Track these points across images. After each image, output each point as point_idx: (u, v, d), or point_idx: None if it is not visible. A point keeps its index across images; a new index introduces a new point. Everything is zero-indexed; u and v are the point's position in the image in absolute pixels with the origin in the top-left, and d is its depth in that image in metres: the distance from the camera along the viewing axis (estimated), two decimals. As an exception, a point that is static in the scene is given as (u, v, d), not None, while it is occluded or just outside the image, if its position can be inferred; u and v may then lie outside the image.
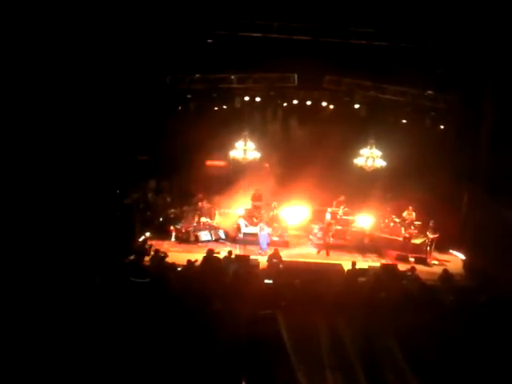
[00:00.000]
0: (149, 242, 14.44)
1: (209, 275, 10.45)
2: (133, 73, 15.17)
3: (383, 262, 15.14)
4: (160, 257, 12.03)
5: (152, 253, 12.62)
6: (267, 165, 18.70)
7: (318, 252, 15.94)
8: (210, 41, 15.23)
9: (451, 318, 6.35)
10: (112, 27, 13.68)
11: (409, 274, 11.99)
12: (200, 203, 17.46)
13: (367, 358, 4.76)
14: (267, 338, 5.13)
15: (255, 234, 16.54)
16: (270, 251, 14.12)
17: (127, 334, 4.37)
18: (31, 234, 10.83)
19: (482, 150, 15.22)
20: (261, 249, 15.67)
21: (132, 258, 12.48)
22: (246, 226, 17.04)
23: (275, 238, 16.51)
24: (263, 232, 16.06)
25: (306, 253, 15.92)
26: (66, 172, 13.47)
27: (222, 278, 9.55)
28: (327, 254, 15.84)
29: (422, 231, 16.48)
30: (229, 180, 17.99)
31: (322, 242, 16.77)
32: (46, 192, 12.74)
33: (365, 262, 14.85)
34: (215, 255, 12.49)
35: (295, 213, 17.90)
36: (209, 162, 18.70)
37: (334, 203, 17.63)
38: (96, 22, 13.30)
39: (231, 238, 16.87)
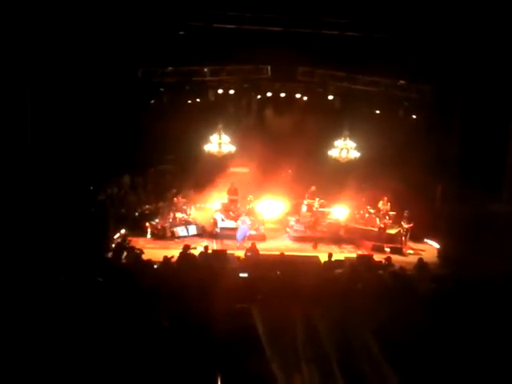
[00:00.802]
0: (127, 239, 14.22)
1: (184, 271, 10.33)
2: (103, 66, 14.89)
3: (359, 252, 15.22)
4: (136, 254, 11.84)
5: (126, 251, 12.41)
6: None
7: (315, 247, 15.85)
8: (181, 33, 15.02)
9: (426, 307, 6.37)
10: (81, 20, 13.40)
11: (384, 263, 12.07)
12: (175, 199, 17.29)
13: (343, 349, 4.73)
14: (242, 331, 5.06)
15: (232, 228, 16.50)
16: (248, 245, 14.08)
17: (95, 333, 4.25)
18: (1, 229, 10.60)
19: (454, 140, 15.38)
20: (237, 241, 15.62)
21: (109, 255, 12.31)
22: (223, 220, 16.96)
23: (252, 232, 16.46)
24: (244, 225, 16.02)
25: (282, 246, 15.92)
26: (38, 168, 13.20)
27: (198, 274, 9.44)
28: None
29: (396, 221, 16.64)
30: (204, 174, 17.83)
31: (298, 234, 16.85)
32: (17, 188, 12.48)
33: (341, 254, 14.94)
34: (191, 251, 12.38)
35: (271, 206, 17.89)
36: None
37: (307, 195, 17.72)
38: (65, 15, 13.03)
39: (208, 233, 16.78)
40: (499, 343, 5.06)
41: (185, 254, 11.84)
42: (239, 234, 15.80)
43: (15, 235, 10.46)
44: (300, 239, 16.73)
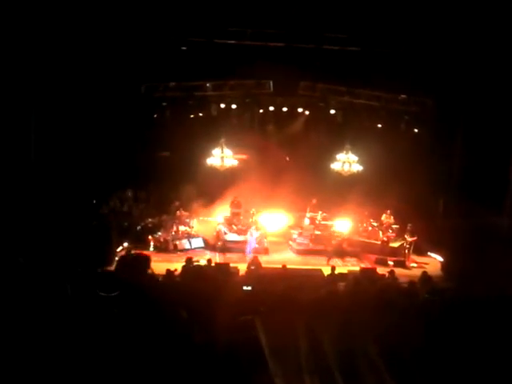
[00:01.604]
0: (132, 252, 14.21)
1: (189, 285, 10.30)
2: (107, 82, 15.04)
3: (362, 266, 15.20)
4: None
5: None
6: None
7: (328, 261, 15.64)
8: (184, 48, 15.18)
9: (429, 321, 6.36)
10: (84, 36, 13.56)
11: (388, 277, 12.05)
12: (178, 212, 17.33)
13: (346, 362, 4.72)
14: (245, 344, 5.05)
15: (235, 242, 16.53)
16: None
17: (100, 345, 4.27)
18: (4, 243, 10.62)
19: (456, 153, 15.44)
20: (246, 254, 15.74)
21: (113, 267, 12.29)
22: (225, 233, 16.98)
23: (255, 245, 16.47)
24: (251, 237, 16.13)
25: (285, 259, 15.89)
26: (42, 182, 13.27)
27: (203, 286, 9.42)
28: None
29: (399, 234, 16.63)
30: (206, 188, 17.88)
31: (301, 247, 16.84)
32: (21, 201, 12.53)
33: (344, 267, 14.90)
34: (195, 264, 12.37)
35: (274, 219, 17.91)
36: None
37: (308, 208, 17.74)
38: (69, 31, 13.19)
39: (211, 246, 16.79)
40: (500, 356, 5.06)
41: (190, 267, 11.82)
42: (248, 247, 15.91)
43: (18, 249, 10.49)
44: (303, 252, 16.71)
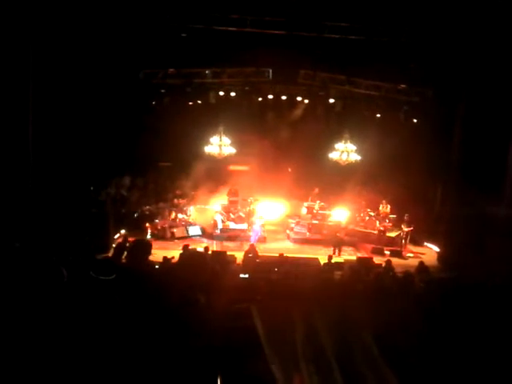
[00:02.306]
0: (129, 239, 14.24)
1: (188, 271, 10.34)
2: (105, 68, 14.94)
3: (359, 255, 15.26)
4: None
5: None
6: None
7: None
8: (183, 35, 15.08)
9: (426, 310, 6.40)
10: (83, 22, 13.44)
11: (384, 266, 12.10)
12: (175, 199, 17.32)
13: (342, 350, 4.75)
14: (242, 331, 5.08)
15: (232, 230, 16.57)
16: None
17: (96, 333, 4.27)
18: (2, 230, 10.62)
19: (454, 143, 15.42)
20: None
21: (110, 254, 12.31)
22: (223, 221, 17.00)
23: (260, 233, 16.53)
24: (255, 225, 16.25)
25: (283, 247, 15.93)
26: (39, 169, 13.23)
27: (202, 273, 9.46)
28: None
29: (396, 224, 16.67)
30: (204, 176, 17.86)
31: (299, 236, 16.88)
32: (18, 188, 12.50)
33: (341, 256, 14.96)
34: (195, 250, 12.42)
35: (272, 208, 17.93)
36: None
37: (310, 198, 17.77)
38: (67, 17, 13.07)
39: (208, 234, 16.82)
40: (500, 347, 5.09)
41: (189, 253, 11.86)
42: (253, 235, 15.99)
43: (15, 235, 10.48)
44: (300, 241, 16.76)
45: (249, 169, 18.29)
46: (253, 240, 15.72)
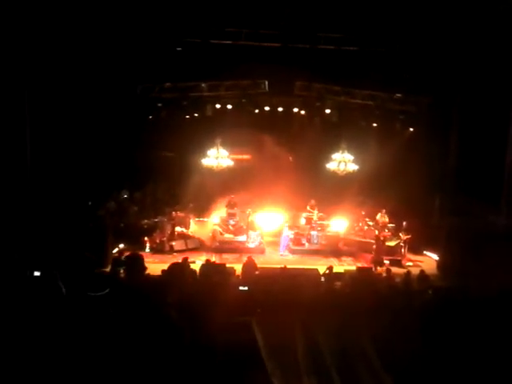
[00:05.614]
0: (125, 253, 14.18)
1: (166, 285, 10.26)
2: (103, 83, 15.00)
3: (359, 265, 15.22)
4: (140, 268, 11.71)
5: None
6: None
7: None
8: (179, 49, 15.17)
9: (426, 319, 6.38)
10: (79, 37, 13.52)
11: (384, 276, 12.08)
12: (174, 213, 17.31)
13: (343, 361, 4.72)
14: (242, 344, 5.05)
15: (231, 242, 16.53)
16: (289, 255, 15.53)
17: (92, 346, 4.25)
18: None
19: (451, 152, 15.48)
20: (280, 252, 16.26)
21: (108, 269, 12.24)
22: (221, 233, 16.97)
23: (251, 245, 16.48)
24: (283, 235, 16.40)
25: (281, 258, 15.90)
26: (37, 183, 13.22)
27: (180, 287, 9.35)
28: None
29: (395, 233, 16.65)
30: (202, 188, 17.86)
31: (298, 247, 16.86)
32: (17, 202, 12.48)
33: (340, 266, 14.92)
34: (190, 265, 12.32)
35: (270, 219, 17.91)
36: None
37: (308, 207, 17.78)
38: (64, 32, 13.14)
39: (207, 247, 16.78)
40: (498, 354, 5.07)
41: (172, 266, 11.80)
42: (282, 246, 16.32)
43: (14, 248, 10.45)
44: (299, 252, 16.71)
45: (247, 181, 18.28)
46: (282, 251, 15.95)
